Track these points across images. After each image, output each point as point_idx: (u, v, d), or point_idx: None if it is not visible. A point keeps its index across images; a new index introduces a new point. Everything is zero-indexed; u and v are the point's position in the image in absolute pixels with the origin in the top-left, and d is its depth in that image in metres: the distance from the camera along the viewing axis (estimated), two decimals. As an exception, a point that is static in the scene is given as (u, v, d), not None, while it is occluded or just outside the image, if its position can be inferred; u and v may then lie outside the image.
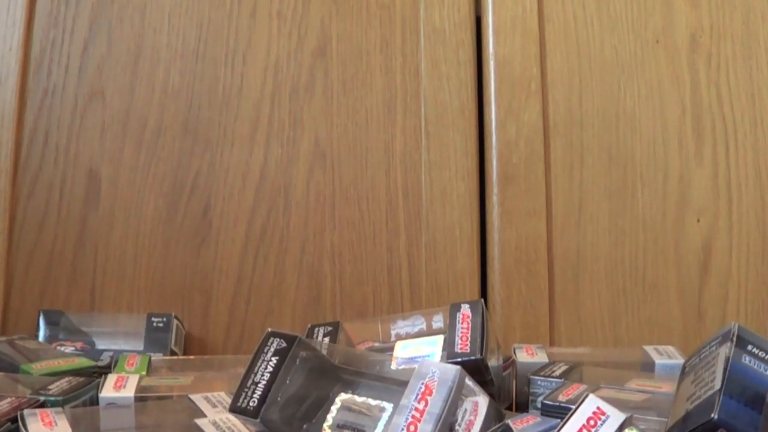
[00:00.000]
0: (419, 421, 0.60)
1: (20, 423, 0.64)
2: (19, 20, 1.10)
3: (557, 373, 0.82)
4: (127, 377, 0.76)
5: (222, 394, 0.71)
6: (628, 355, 0.92)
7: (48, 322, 0.99)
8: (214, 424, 0.63)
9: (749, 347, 0.62)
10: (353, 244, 1.09)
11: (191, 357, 0.94)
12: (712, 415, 0.57)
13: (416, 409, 0.60)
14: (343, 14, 1.12)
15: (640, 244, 1.09)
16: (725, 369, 0.60)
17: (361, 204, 1.10)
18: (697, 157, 1.09)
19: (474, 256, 1.08)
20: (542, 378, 0.81)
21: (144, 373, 0.81)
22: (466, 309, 0.77)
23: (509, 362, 0.86)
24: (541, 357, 0.88)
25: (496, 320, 1.06)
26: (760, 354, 0.62)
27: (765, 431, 0.57)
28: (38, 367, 0.81)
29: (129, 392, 0.73)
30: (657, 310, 1.08)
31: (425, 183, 1.09)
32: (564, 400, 0.73)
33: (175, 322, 1.01)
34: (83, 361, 0.86)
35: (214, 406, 0.68)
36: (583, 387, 0.75)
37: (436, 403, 0.60)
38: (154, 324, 0.96)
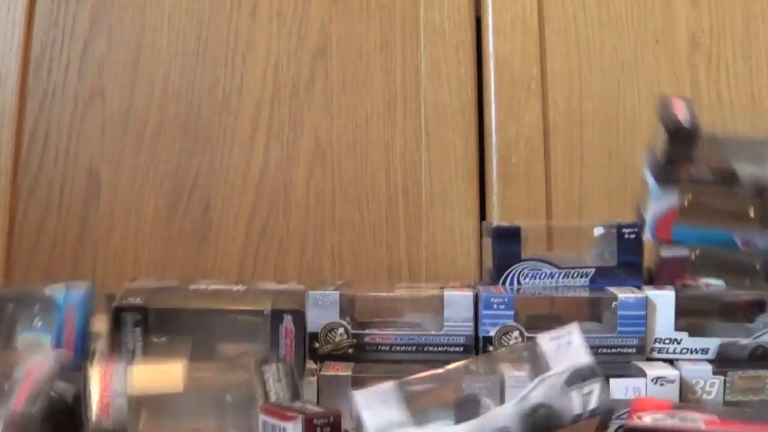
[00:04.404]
0: None
1: None
2: (19, 20, 1.10)
3: None
4: None
5: None
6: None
7: None
8: None
9: None
10: (353, 244, 1.09)
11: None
12: None
13: None
14: (343, 14, 1.12)
15: (640, 244, 1.08)
16: None
17: (361, 204, 1.10)
18: (697, 157, 1.09)
19: (474, 257, 1.08)
20: None
21: None
22: None
23: None
24: None
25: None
26: None
27: None
28: None
29: None
30: (657, 310, 1.08)
31: (425, 183, 1.09)
32: None
33: None
34: None
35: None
36: None
37: None
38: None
